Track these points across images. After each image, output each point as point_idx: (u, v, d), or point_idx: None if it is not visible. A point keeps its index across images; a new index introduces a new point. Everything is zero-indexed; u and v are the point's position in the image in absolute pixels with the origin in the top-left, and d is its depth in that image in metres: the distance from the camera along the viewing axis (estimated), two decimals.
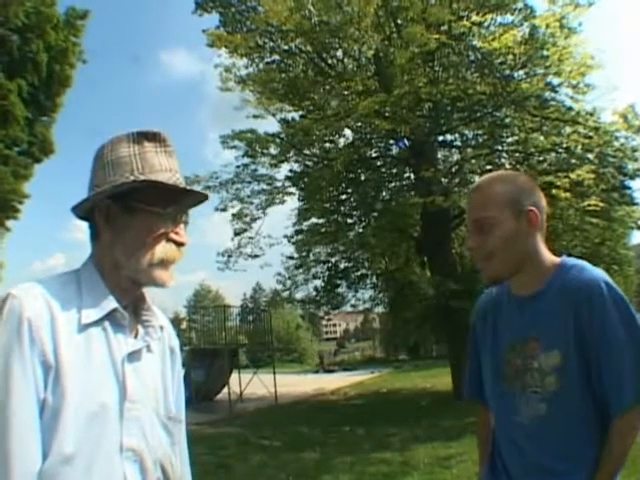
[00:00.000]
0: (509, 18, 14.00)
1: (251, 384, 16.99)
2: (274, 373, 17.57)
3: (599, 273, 1.67)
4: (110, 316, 1.26)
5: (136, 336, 1.33)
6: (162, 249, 1.29)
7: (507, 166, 14.42)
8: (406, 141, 15.18)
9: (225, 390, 16.31)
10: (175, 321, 29.27)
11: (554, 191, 12.02)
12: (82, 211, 1.32)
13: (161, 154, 1.32)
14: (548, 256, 1.76)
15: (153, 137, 1.33)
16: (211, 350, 16.92)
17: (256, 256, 17.33)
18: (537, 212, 1.71)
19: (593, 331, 1.59)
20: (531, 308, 1.73)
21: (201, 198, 1.39)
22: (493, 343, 1.84)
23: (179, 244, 1.33)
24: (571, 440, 1.65)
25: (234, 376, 16.75)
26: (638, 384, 1.57)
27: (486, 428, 1.97)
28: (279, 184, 17.12)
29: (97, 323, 1.23)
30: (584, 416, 1.63)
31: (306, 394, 19.14)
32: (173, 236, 1.31)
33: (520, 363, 1.72)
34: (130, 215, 1.28)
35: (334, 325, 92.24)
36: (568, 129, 13.45)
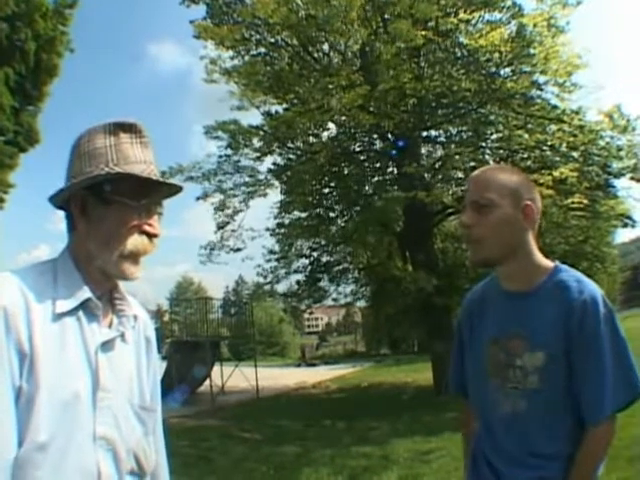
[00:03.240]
0: (497, 16, 14.03)
1: (233, 377, 17.00)
2: (256, 366, 17.60)
3: (596, 287, 1.71)
4: (84, 306, 1.26)
5: (110, 326, 1.33)
6: (133, 241, 1.29)
7: (491, 163, 14.45)
8: (390, 135, 15.17)
9: (207, 383, 16.29)
10: (157, 313, 29.15)
11: (537, 189, 12.05)
12: (59, 201, 1.32)
13: (136, 145, 1.32)
14: (540, 257, 1.79)
15: (129, 128, 1.33)
16: (193, 342, 16.87)
17: (238, 249, 17.20)
18: (534, 208, 1.76)
19: (582, 341, 1.64)
20: (520, 304, 1.75)
21: (175, 190, 1.39)
22: (478, 336, 1.87)
23: (152, 236, 1.33)
24: (549, 436, 1.69)
25: (216, 369, 16.72)
26: (616, 398, 1.63)
27: (470, 424, 1.99)
28: (262, 177, 17.01)
29: (71, 313, 1.23)
30: (562, 414, 1.68)
31: (287, 387, 19.21)
32: (146, 228, 1.31)
33: (503, 358, 1.74)
34: (105, 207, 1.28)
35: (316, 319, 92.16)
36: (553, 127, 13.51)
